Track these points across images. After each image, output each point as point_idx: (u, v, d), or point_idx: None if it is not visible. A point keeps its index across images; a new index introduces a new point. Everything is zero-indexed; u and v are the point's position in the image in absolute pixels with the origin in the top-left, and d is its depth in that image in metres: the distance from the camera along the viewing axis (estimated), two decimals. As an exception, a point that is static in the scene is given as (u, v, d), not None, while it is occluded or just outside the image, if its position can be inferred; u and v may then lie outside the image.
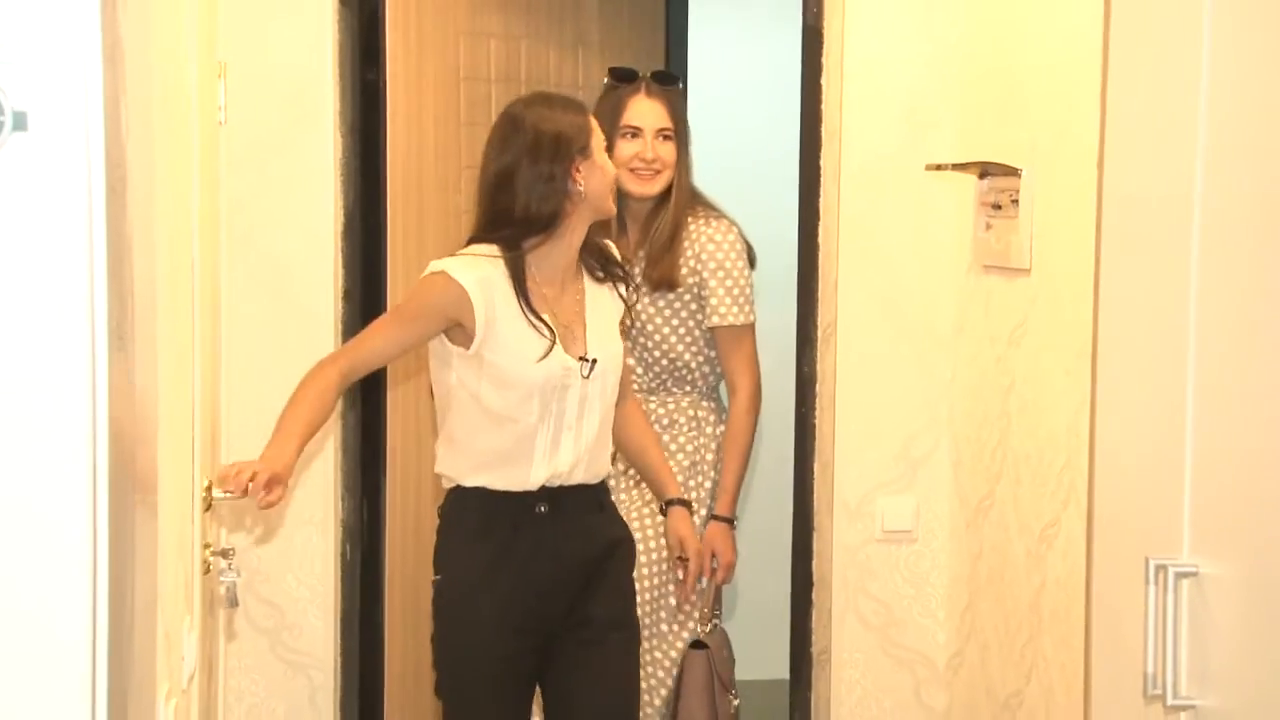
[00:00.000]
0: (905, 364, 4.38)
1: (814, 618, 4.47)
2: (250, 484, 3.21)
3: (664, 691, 4.12)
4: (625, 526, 3.80)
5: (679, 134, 4.09)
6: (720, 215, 4.20)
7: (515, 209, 3.38)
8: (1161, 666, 2.10)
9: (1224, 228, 2.04)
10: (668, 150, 4.05)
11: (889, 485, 4.40)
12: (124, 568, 1.72)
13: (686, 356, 4.18)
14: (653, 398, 4.21)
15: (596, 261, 3.61)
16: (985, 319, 4.17)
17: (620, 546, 3.72)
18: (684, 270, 4.11)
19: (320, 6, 4.11)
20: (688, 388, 4.22)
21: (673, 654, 4.14)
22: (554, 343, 3.41)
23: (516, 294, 3.39)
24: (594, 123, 3.51)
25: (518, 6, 4.50)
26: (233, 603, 3.44)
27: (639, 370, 4.18)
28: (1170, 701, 2.10)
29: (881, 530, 4.40)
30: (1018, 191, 3.92)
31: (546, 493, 3.49)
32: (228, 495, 3.21)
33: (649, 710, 4.08)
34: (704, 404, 4.23)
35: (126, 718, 1.77)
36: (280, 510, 4.05)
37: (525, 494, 3.48)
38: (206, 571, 3.06)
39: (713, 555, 4.10)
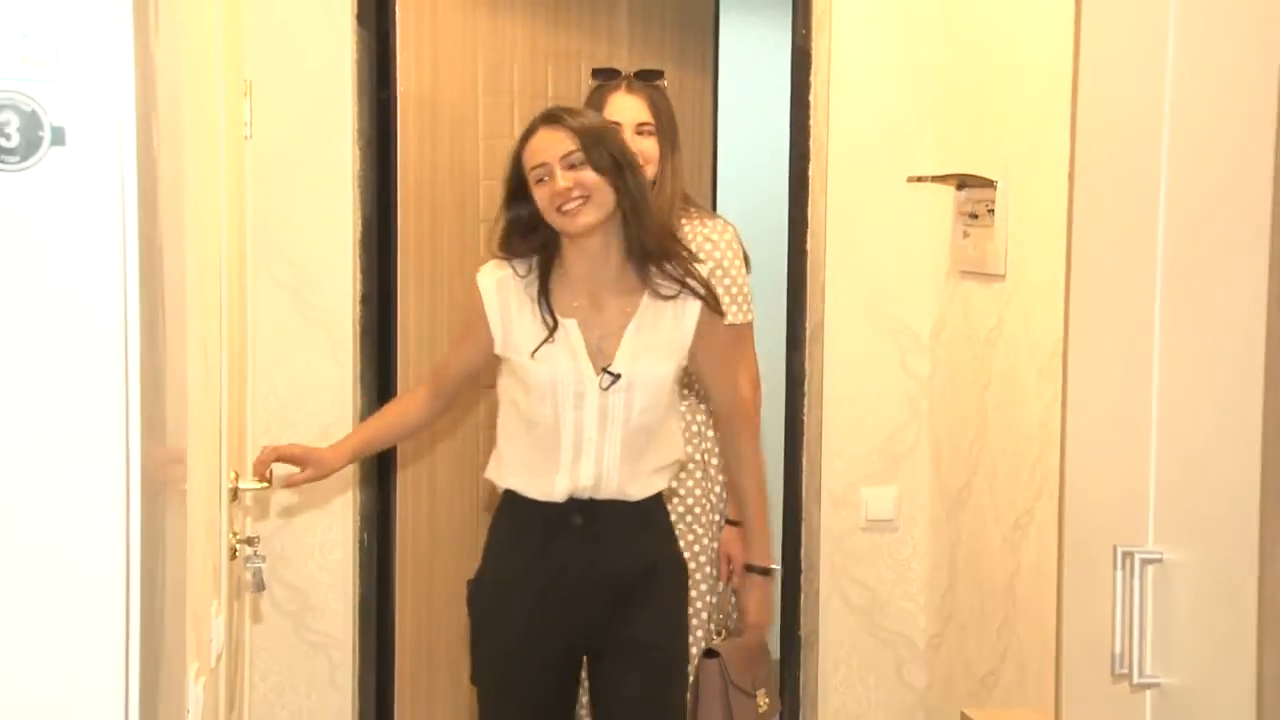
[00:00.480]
0: (888, 363, 4.39)
1: (802, 602, 4.47)
2: (273, 470, 3.30)
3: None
4: (675, 545, 3.55)
5: (660, 129, 3.84)
6: (716, 215, 4.03)
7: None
8: (1128, 647, 2.10)
9: (1186, 237, 2.04)
10: (649, 145, 3.80)
11: (872, 477, 4.41)
12: (155, 554, 1.72)
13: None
14: None
15: (673, 279, 3.29)
16: (963, 321, 4.17)
17: (666, 566, 3.46)
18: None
19: (339, 28, 4.12)
20: (685, 391, 3.89)
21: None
22: (548, 337, 3.22)
23: (538, 294, 3.25)
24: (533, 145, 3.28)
25: (543, 25, 4.47)
26: (259, 587, 3.44)
27: None
28: (1136, 680, 2.10)
29: (865, 519, 4.40)
30: (993, 202, 3.92)
31: (578, 505, 3.28)
32: (258, 486, 3.23)
33: None
34: (701, 407, 3.92)
35: (157, 695, 1.77)
36: (303, 501, 4.05)
37: (558, 505, 3.28)
38: (233, 557, 3.06)
39: (728, 560, 3.86)
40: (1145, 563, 2.08)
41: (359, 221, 4.18)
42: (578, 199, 3.17)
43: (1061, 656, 2.39)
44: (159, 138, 1.76)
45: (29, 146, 1.51)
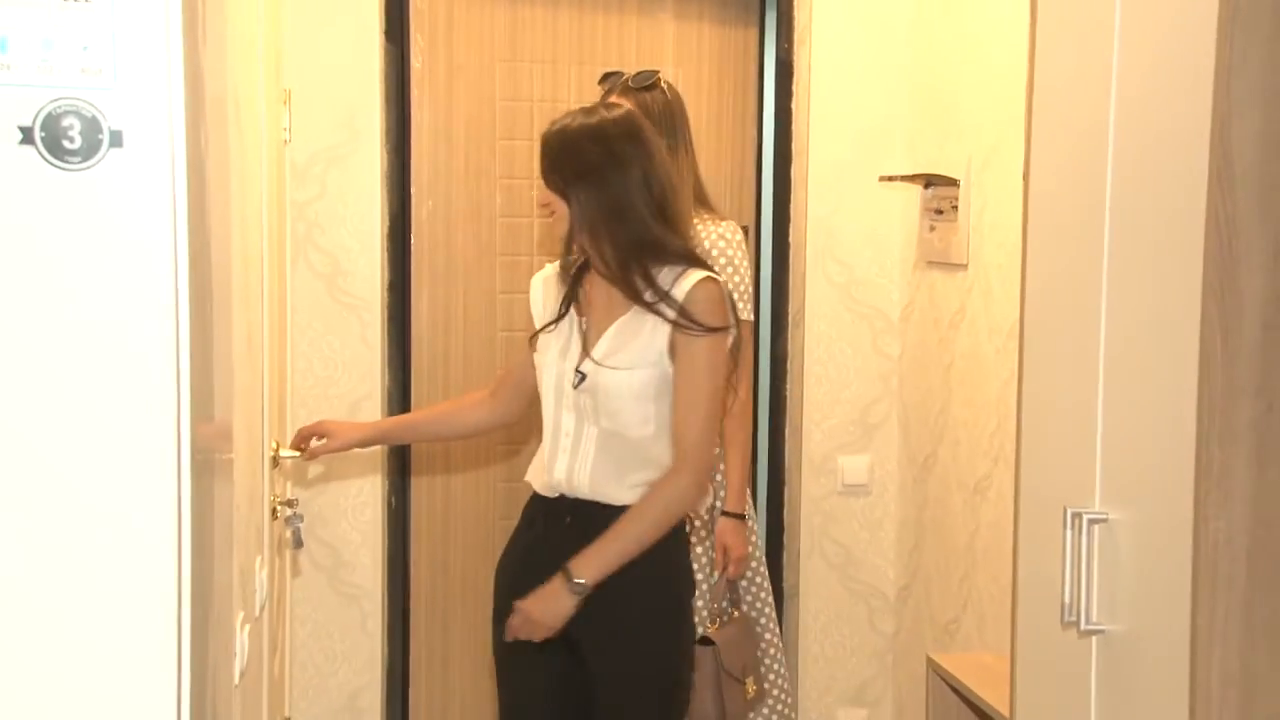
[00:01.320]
0: (862, 344, 4.39)
1: (785, 559, 4.48)
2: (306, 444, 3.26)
3: None
4: (663, 567, 3.05)
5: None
6: (725, 217, 3.79)
7: None
8: (1076, 597, 2.11)
9: (1129, 230, 2.05)
10: None
11: (848, 446, 4.41)
12: (204, 515, 1.72)
13: None
14: None
15: (642, 291, 2.97)
16: (929, 306, 4.17)
17: (638, 586, 2.99)
18: None
19: (368, 42, 4.11)
20: None
21: None
22: (548, 324, 3.07)
23: (568, 289, 3.10)
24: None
25: (561, 36, 4.44)
26: (297, 544, 3.44)
27: None
28: (1083, 627, 2.11)
29: (841, 484, 4.41)
30: (956, 199, 3.92)
31: (570, 503, 3.04)
32: (295, 455, 3.23)
33: None
34: None
35: (208, 640, 1.77)
36: (338, 468, 4.05)
37: (553, 500, 3.07)
38: (275, 517, 3.07)
39: (724, 550, 3.64)
40: (1092, 522, 2.09)
41: (386, 217, 4.18)
42: (547, 213, 3.11)
43: (1017, 606, 2.39)
44: (207, 140, 1.76)
45: (90, 148, 1.51)
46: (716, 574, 3.66)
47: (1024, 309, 2.39)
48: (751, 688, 3.68)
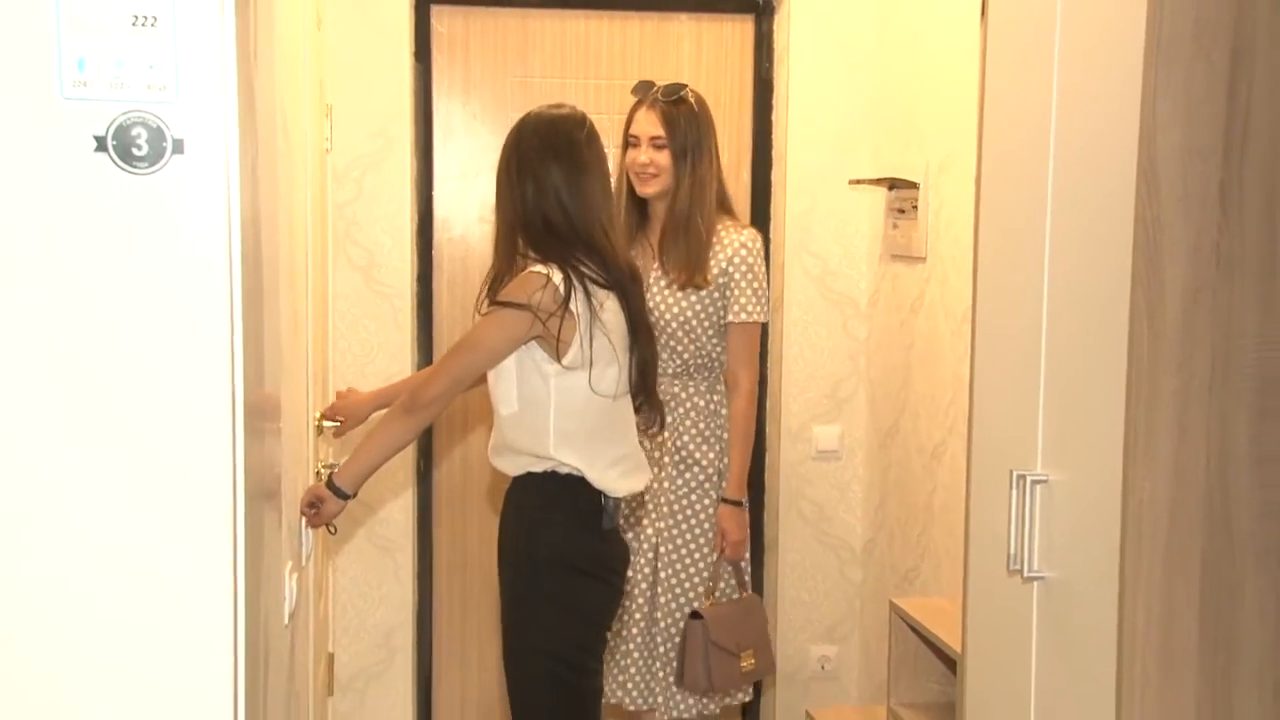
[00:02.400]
0: (833, 328, 4.38)
1: (765, 516, 4.48)
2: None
3: (672, 656, 3.58)
4: (511, 531, 2.91)
5: (673, 143, 3.49)
6: (746, 224, 3.67)
7: None
8: (1020, 549, 2.11)
9: (1067, 227, 2.05)
10: (661, 157, 3.48)
11: (821, 417, 4.41)
12: (256, 477, 1.73)
13: (708, 348, 3.56)
14: (677, 382, 3.57)
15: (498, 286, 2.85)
16: (892, 294, 4.17)
17: (508, 552, 2.90)
18: (714, 271, 3.51)
19: (400, 63, 4.10)
20: (706, 373, 3.59)
21: (678, 624, 3.56)
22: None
23: None
24: None
25: (568, 52, 4.43)
26: None
27: (664, 356, 3.47)
28: (1026, 574, 2.12)
29: (815, 451, 4.40)
30: (917, 199, 3.91)
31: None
32: (335, 424, 3.22)
33: (662, 673, 3.60)
34: (719, 388, 3.62)
35: (260, 584, 1.77)
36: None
37: None
38: (319, 478, 3.06)
39: (722, 534, 3.55)
40: (1034, 483, 2.10)
41: (415, 216, 4.17)
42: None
43: (968, 556, 2.40)
44: (258, 148, 1.76)
45: (155, 155, 1.51)
46: (714, 555, 3.57)
47: (976, 296, 2.39)
48: (749, 661, 3.56)
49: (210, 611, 1.57)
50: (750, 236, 3.57)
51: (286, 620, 2.21)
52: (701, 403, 3.58)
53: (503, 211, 2.85)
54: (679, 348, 3.55)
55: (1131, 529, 1.81)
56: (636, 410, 2.98)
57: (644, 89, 3.59)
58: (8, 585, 1.53)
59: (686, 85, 3.60)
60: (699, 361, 3.57)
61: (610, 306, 2.83)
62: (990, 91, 2.31)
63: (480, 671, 4.45)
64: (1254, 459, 1.80)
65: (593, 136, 2.87)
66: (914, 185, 3.93)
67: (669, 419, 3.52)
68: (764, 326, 3.75)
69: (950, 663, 3.02)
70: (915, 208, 3.93)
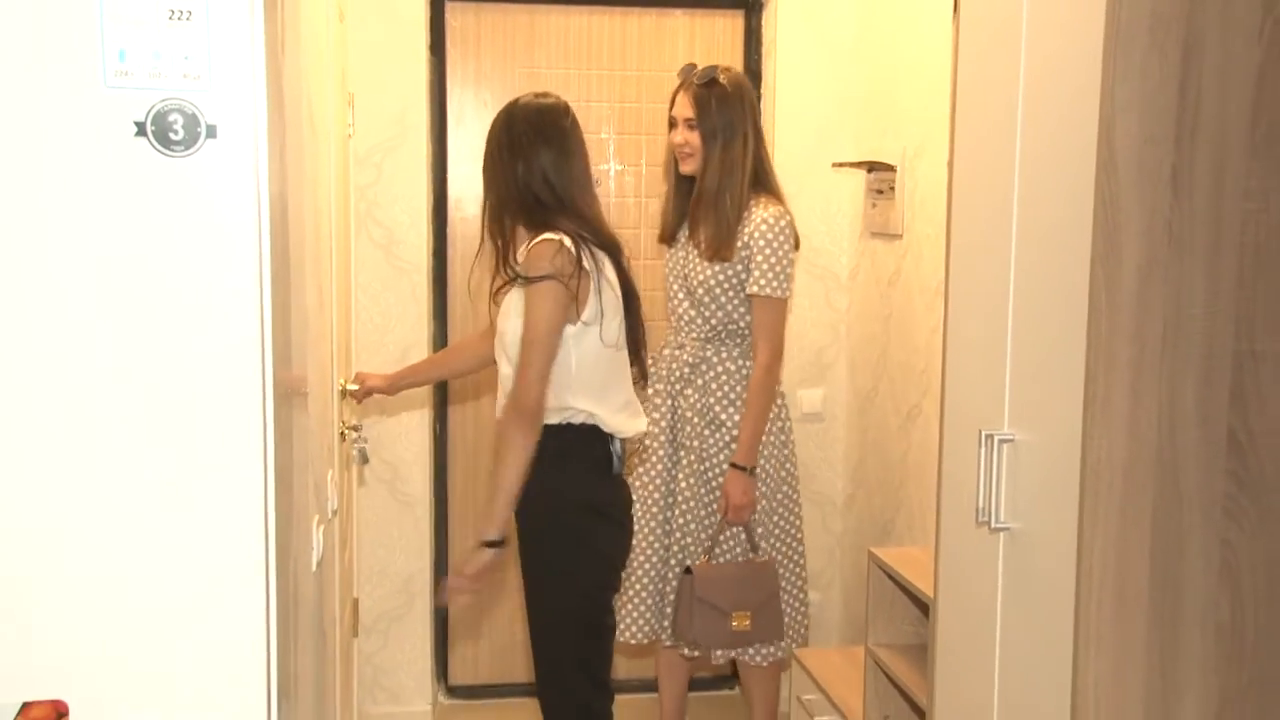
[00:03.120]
0: (817, 299, 4.39)
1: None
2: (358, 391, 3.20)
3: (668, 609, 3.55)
4: (530, 481, 2.78)
5: (702, 124, 3.46)
6: (778, 202, 3.53)
7: None
8: (988, 503, 2.12)
9: (1032, 206, 2.04)
10: (694, 137, 3.47)
11: (806, 381, 4.41)
12: (285, 437, 1.73)
13: (735, 316, 3.50)
14: (709, 346, 3.53)
15: (500, 256, 2.89)
16: (871, 268, 4.17)
17: (523, 497, 2.81)
18: (739, 244, 3.45)
19: (416, 56, 4.09)
20: (738, 340, 3.52)
21: (675, 580, 3.53)
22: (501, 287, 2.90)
23: None
24: None
25: (571, 44, 4.41)
26: (363, 460, 3.45)
27: (699, 322, 3.53)
28: (993, 526, 2.12)
29: (801, 412, 4.41)
30: (894, 181, 3.91)
31: None
32: (356, 388, 3.22)
33: (665, 622, 3.56)
34: (751, 355, 3.52)
35: (291, 536, 1.78)
36: (396, 400, 4.05)
37: None
38: (343, 439, 3.07)
39: (726, 497, 3.47)
40: (1001, 442, 2.10)
41: (430, 197, 4.17)
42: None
43: (940, 510, 2.40)
44: (285, 133, 1.76)
45: (190, 139, 1.51)
46: (717, 516, 3.50)
47: (948, 271, 2.39)
48: (742, 622, 3.45)
49: (245, 560, 1.58)
50: (776, 214, 3.47)
51: (315, 568, 2.22)
52: (732, 367, 3.53)
53: (495, 189, 2.88)
54: (707, 313, 3.52)
55: (1089, 484, 1.81)
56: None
57: (685, 72, 3.55)
58: (63, 535, 1.54)
59: (721, 68, 3.52)
60: (729, 328, 3.52)
61: (607, 263, 2.85)
62: (962, 81, 2.31)
63: (492, 611, 4.47)
64: (1200, 420, 1.80)
65: (575, 124, 2.92)
66: (891, 168, 3.92)
67: (699, 381, 3.52)
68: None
69: (923, 607, 3.03)
70: (892, 189, 3.93)
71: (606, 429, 2.86)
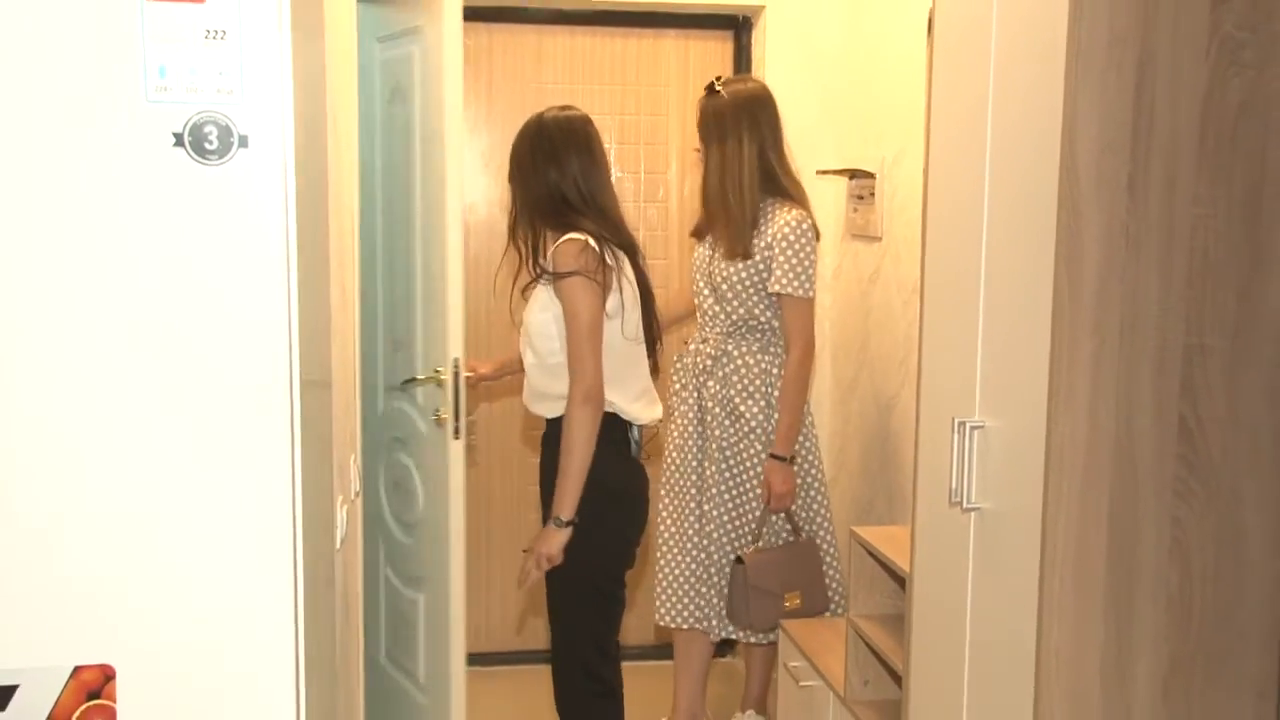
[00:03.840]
0: (803, 297, 4.39)
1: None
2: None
3: (723, 586, 3.53)
4: (554, 466, 2.87)
5: (701, 132, 3.49)
6: (797, 203, 3.48)
7: None
8: (960, 485, 2.13)
9: (1001, 210, 2.05)
10: (700, 144, 3.52)
11: (792, 373, 4.41)
12: (310, 427, 1.74)
13: (756, 312, 3.47)
14: (730, 340, 3.51)
15: (528, 255, 2.96)
16: (853, 268, 4.17)
17: (546, 481, 2.90)
18: (761, 244, 3.43)
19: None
20: (758, 335, 3.50)
21: (729, 559, 3.50)
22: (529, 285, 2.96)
23: None
24: None
25: (577, 62, 4.42)
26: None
27: (721, 317, 3.51)
28: (965, 506, 2.13)
29: (787, 402, 4.41)
30: (874, 187, 3.92)
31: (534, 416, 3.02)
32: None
33: (716, 600, 3.53)
34: (771, 350, 3.51)
35: (318, 514, 1.79)
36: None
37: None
38: (457, 436, 3.07)
39: (768, 487, 3.45)
40: (973, 428, 2.11)
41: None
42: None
43: (917, 491, 2.41)
44: (312, 142, 1.77)
45: (224, 149, 1.52)
46: (762, 507, 3.48)
47: (924, 271, 2.39)
48: (793, 601, 3.46)
49: (274, 535, 1.59)
50: (797, 216, 3.43)
51: (338, 545, 2.23)
52: (751, 361, 3.51)
53: (526, 193, 2.91)
54: (729, 308, 3.51)
55: (1053, 467, 1.82)
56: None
57: (707, 88, 3.55)
58: (113, 511, 1.54)
59: (727, 79, 3.52)
60: (749, 324, 3.51)
61: (626, 262, 2.90)
62: (936, 95, 2.31)
63: (500, 588, 4.48)
64: (1153, 408, 1.81)
65: (597, 133, 2.97)
66: (871, 175, 3.93)
67: (720, 373, 3.51)
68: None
69: (900, 580, 3.04)
70: (872, 195, 3.93)
71: (625, 416, 2.89)
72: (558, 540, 2.82)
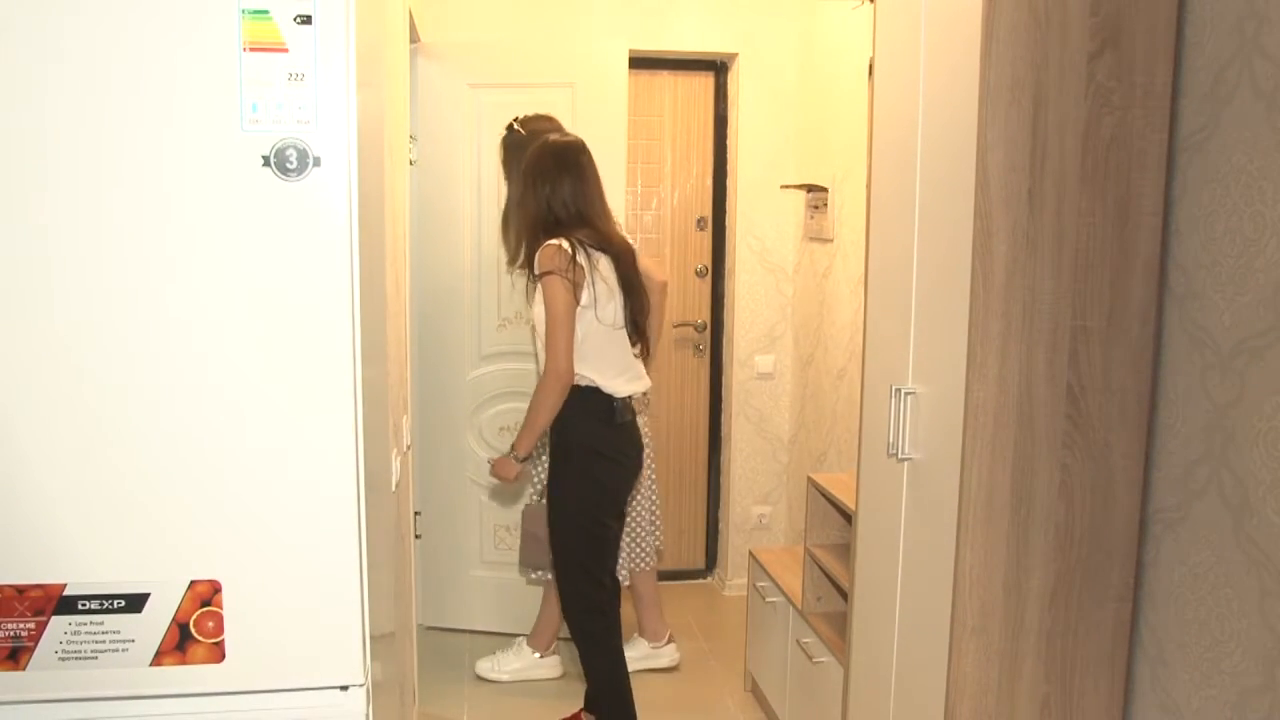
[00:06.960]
0: (769, 288, 4.40)
1: (722, 420, 4.51)
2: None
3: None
4: (551, 429, 2.88)
5: (502, 164, 3.39)
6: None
7: None
8: (896, 439, 2.13)
9: (929, 217, 2.05)
10: None
11: (760, 350, 4.43)
12: (370, 390, 1.74)
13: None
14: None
15: (519, 258, 2.98)
16: (810, 265, 4.18)
17: (551, 449, 2.91)
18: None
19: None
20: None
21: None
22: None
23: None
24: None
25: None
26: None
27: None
28: (899, 457, 2.13)
29: (757, 373, 4.43)
30: (827, 199, 3.92)
31: None
32: None
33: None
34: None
35: (375, 463, 1.80)
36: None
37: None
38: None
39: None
40: (906, 394, 2.11)
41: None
42: None
43: (861, 445, 2.40)
44: (370, 164, 1.77)
45: (302, 168, 1.52)
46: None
47: (867, 267, 2.39)
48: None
49: (341, 478, 1.60)
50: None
51: (393, 487, 2.24)
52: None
53: (525, 211, 2.89)
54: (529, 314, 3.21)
55: (969, 425, 1.84)
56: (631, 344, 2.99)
57: (507, 126, 3.36)
58: (224, 454, 1.55)
59: (516, 118, 3.31)
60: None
61: (604, 262, 2.86)
62: (876, 125, 2.31)
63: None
64: (1047, 377, 1.83)
65: (590, 158, 2.92)
66: (824, 189, 3.94)
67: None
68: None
69: (848, 517, 3.07)
70: (825, 205, 3.94)
71: (606, 390, 2.88)
72: (512, 469, 2.89)
